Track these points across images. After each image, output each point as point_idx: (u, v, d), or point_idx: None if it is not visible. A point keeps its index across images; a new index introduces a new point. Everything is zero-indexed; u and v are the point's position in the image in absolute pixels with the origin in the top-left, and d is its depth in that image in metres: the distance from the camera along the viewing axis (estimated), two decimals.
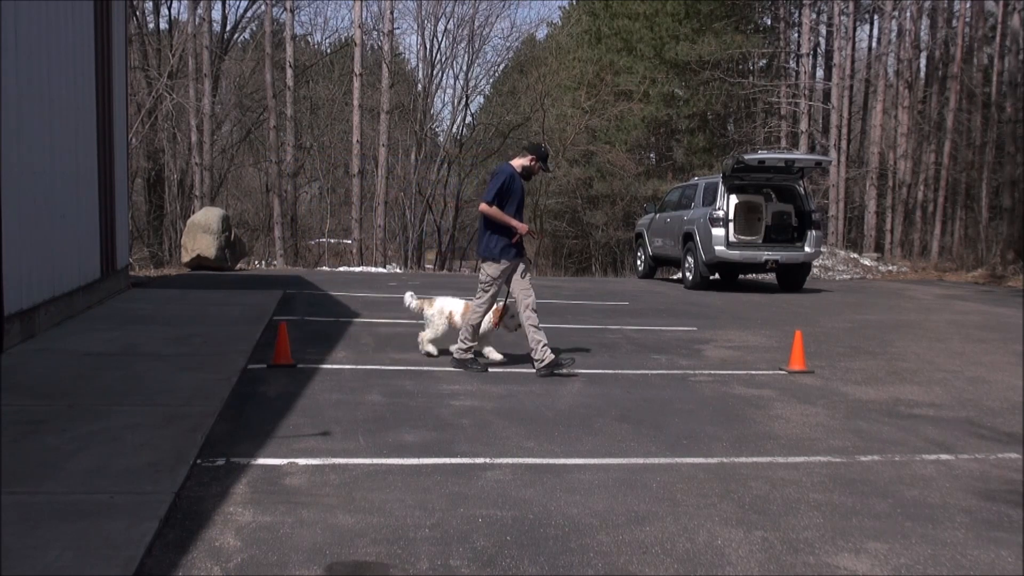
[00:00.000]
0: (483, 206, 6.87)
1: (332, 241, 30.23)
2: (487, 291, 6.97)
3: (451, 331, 7.30)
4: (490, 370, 6.99)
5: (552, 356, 6.82)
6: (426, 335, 7.46)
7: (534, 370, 6.91)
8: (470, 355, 7.02)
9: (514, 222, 6.87)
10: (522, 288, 6.98)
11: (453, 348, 7.12)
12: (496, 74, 32.85)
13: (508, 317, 7.19)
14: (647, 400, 6.19)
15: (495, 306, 7.20)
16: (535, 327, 6.85)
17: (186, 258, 16.62)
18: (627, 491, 4.21)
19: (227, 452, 4.55)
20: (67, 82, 8.64)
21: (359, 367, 6.92)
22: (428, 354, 7.41)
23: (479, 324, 7.05)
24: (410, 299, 7.56)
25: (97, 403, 5.30)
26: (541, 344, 6.81)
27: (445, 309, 7.40)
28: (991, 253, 21.54)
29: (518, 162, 7.09)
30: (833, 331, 9.84)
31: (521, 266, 7.00)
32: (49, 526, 3.40)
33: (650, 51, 28.72)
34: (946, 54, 28.24)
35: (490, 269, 6.92)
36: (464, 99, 28.84)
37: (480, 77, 41.08)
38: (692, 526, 3.78)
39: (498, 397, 6.09)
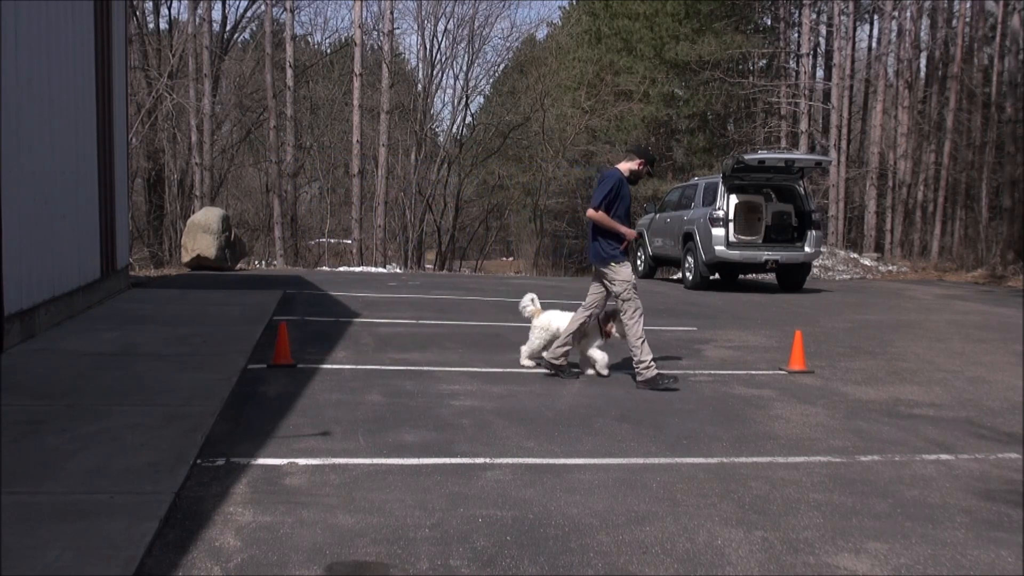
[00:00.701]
0: (591, 212, 6.62)
1: (332, 241, 30.22)
2: (628, 298, 6.60)
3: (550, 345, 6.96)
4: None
5: (564, 364, 6.78)
6: (529, 346, 7.13)
7: (544, 370, 6.94)
8: (654, 371, 6.50)
9: (623, 228, 6.66)
10: (597, 294, 6.85)
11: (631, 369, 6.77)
12: (496, 74, 32.88)
13: (616, 321, 6.86)
14: (647, 400, 6.19)
15: (585, 315, 6.92)
16: (574, 335, 6.75)
17: (186, 258, 16.63)
18: (627, 491, 4.21)
19: (227, 452, 4.55)
20: (67, 82, 8.64)
21: (359, 367, 6.92)
22: (525, 364, 7.10)
23: (640, 333, 6.57)
24: (529, 302, 7.22)
25: (97, 403, 5.30)
26: (565, 351, 6.77)
27: (552, 325, 6.99)
28: (991, 253, 21.55)
29: (625, 166, 6.83)
30: (833, 331, 9.84)
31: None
32: (49, 526, 3.40)
33: (650, 51, 28.70)
34: (946, 54, 28.24)
35: (621, 274, 6.62)
36: (464, 99, 28.87)
37: (480, 77, 41.18)
38: (692, 526, 3.78)
39: (498, 397, 6.09)
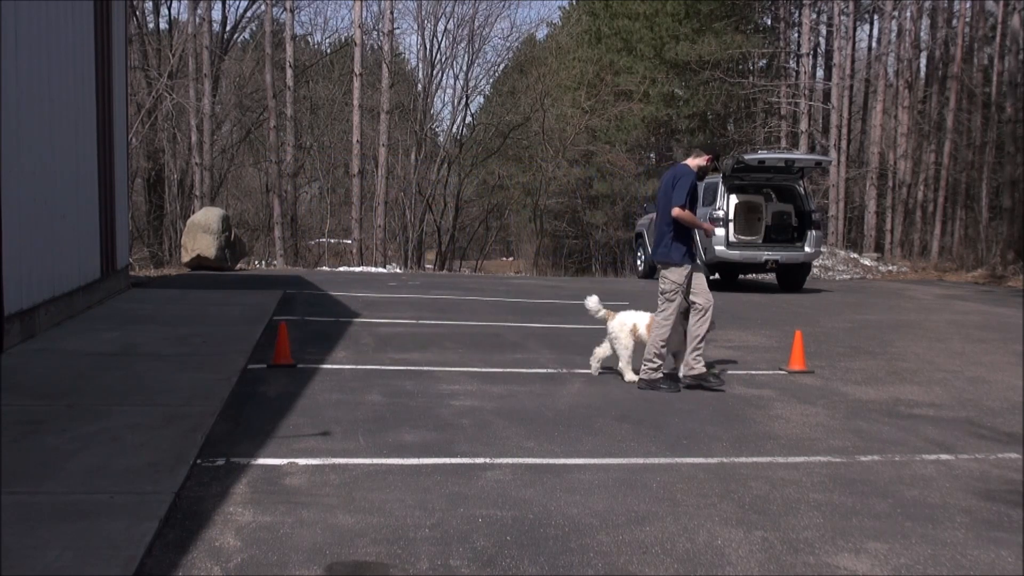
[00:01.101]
0: (676, 210, 6.49)
1: (332, 241, 30.22)
2: (672, 300, 6.55)
3: (639, 346, 6.77)
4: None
5: (704, 370, 6.58)
6: (620, 357, 6.80)
7: (544, 370, 6.91)
8: (659, 374, 6.57)
9: (705, 224, 6.73)
10: (698, 295, 6.67)
11: (640, 371, 6.65)
12: (496, 74, 32.87)
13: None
14: (647, 400, 6.19)
15: (649, 319, 6.77)
16: (702, 333, 6.55)
17: (186, 258, 16.62)
18: (627, 491, 4.21)
19: (227, 452, 4.55)
20: (67, 82, 8.64)
21: (359, 367, 6.92)
22: (629, 379, 6.73)
23: (664, 337, 6.54)
24: (596, 304, 6.91)
25: (97, 403, 5.30)
26: (702, 348, 6.58)
27: (628, 322, 6.81)
28: (991, 253, 21.54)
29: (693, 162, 6.76)
30: (833, 331, 9.84)
31: (697, 272, 6.72)
32: (49, 526, 3.40)
33: (650, 51, 28.72)
34: (946, 54, 28.24)
35: (674, 275, 6.55)
36: (464, 99, 28.88)
37: (480, 77, 41.11)
38: (692, 526, 3.78)
39: (498, 397, 6.09)
